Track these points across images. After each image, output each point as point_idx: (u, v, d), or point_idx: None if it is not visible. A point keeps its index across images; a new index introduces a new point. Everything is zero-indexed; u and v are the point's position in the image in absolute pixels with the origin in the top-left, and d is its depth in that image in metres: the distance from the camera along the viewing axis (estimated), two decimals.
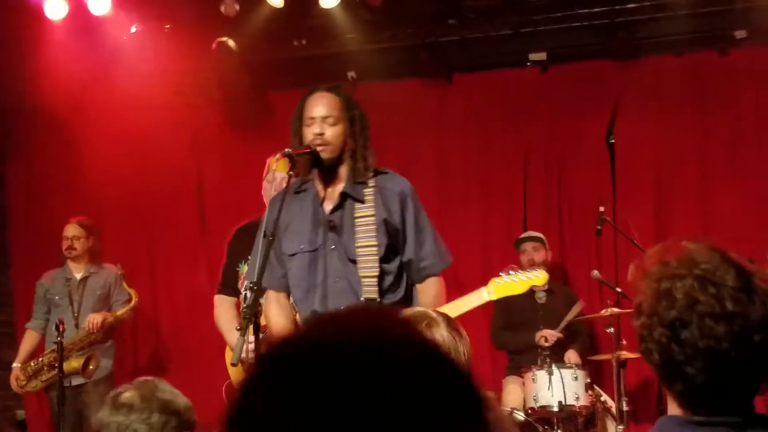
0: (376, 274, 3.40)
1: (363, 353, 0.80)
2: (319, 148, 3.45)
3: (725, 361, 1.54)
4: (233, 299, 4.56)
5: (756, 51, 6.38)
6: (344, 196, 3.49)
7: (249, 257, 4.46)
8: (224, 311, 4.51)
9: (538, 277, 3.65)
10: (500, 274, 3.62)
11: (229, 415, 0.83)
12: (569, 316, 5.71)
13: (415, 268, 3.52)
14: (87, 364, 5.79)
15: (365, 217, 3.46)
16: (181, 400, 2.40)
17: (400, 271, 3.50)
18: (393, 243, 3.48)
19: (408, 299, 3.51)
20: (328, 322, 0.86)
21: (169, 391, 2.40)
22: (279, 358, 0.84)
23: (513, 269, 3.64)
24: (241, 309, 4.51)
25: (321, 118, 3.45)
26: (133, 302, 6.02)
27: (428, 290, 3.53)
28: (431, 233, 3.57)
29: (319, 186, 3.55)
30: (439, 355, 0.84)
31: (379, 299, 3.38)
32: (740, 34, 6.32)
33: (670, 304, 1.58)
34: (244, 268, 4.57)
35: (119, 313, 5.98)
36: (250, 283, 3.15)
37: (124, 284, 6.01)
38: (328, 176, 3.52)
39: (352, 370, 0.79)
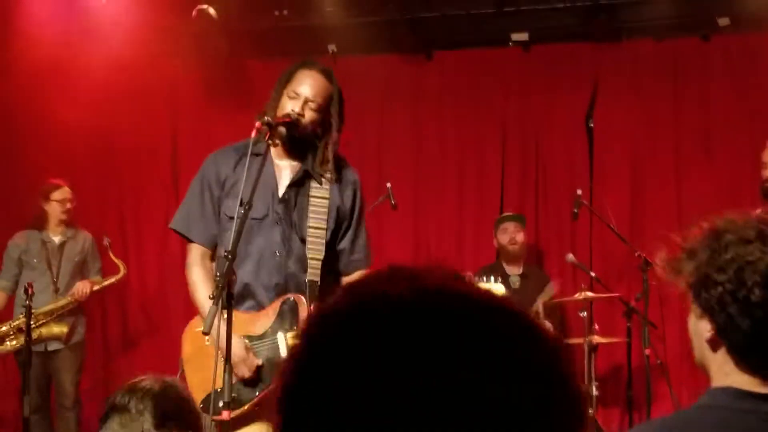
0: (322, 257, 3.40)
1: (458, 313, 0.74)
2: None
3: None
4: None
5: (738, 38, 6.38)
6: (305, 174, 3.44)
7: None
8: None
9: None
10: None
11: (295, 388, 0.75)
12: (542, 298, 5.69)
13: (346, 259, 3.54)
14: (72, 331, 5.80)
15: (320, 199, 3.44)
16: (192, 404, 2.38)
17: (331, 257, 3.50)
18: (337, 229, 3.49)
19: (335, 286, 3.51)
20: (401, 279, 0.78)
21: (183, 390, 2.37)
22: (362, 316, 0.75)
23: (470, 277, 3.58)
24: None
25: (305, 98, 3.37)
26: (121, 273, 6.00)
27: None
28: (365, 230, 3.62)
29: (276, 157, 3.48)
30: (529, 320, 0.78)
31: (320, 282, 3.38)
32: (723, 21, 6.30)
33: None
34: None
35: (107, 282, 6.00)
36: (225, 251, 3.08)
37: (111, 255, 5.96)
38: (291, 151, 3.46)
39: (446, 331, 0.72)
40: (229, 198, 3.39)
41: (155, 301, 6.87)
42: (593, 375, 5.31)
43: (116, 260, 5.98)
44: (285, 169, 3.47)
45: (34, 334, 5.64)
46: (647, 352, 5.37)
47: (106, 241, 6.00)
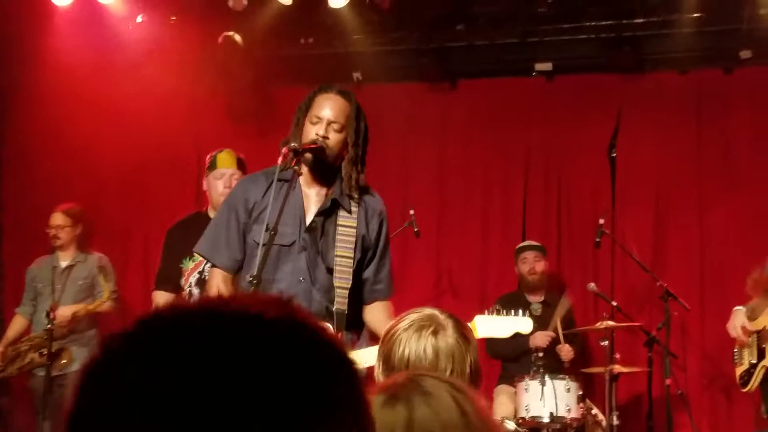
0: (349, 285, 3.39)
1: (202, 332, 0.76)
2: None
3: None
4: (172, 296, 4.47)
5: (760, 71, 6.40)
6: (333, 203, 3.45)
7: (194, 254, 4.42)
8: None
9: (525, 328, 3.61)
10: (485, 311, 3.59)
11: (74, 406, 0.78)
12: (558, 314, 5.70)
13: (368, 288, 3.54)
14: (57, 356, 5.64)
15: (347, 228, 3.44)
16: None
17: (359, 286, 3.51)
18: (362, 259, 3.49)
19: (360, 314, 3.53)
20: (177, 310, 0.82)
21: None
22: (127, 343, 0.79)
23: (498, 311, 3.60)
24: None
25: (328, 120, 3.39)
26: (105, 297, 5.80)
27: (381, 311, 3.53)
28: (389, 260, 3.61)
29: (305, 185, 3.49)
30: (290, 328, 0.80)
31: (347, 310, 3.37)
32: (745, 54, 6.34)
33: None
34: (188, 265, 4.49)
35: (91, 306, 5.80)
36: (250, 276, 3.12)
37: (101, 277, 5.83)
38: (318, 178, 3.48)
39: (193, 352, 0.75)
40: (257, 224, 3.38)
41: None
42: (614, 404, 5.29)
43: (103, 284, 5.82)
44: (313, 197, 3.48)
45: (26, 359, 5.67)
46: (668, 382, 5.36)
47: (103, 261, 5.95)
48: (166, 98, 6.74)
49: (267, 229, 3.19)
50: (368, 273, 3.53)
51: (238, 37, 6.43)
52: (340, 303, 3.37)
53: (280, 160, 3.35)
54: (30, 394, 5.97)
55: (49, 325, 5.28)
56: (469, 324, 3.55)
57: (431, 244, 6.63)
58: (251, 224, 3.45)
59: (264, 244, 3.17)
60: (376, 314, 3.52)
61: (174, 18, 6.52)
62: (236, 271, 3.50)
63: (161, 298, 4.50)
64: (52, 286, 5.83)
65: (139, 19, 6.50)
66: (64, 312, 5.64)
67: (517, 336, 5.62)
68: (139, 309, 6.98)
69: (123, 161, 6.94)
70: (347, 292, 3.38)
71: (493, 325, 3.52)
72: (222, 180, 4.51)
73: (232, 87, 6.81)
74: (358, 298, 3.50)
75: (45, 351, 5.55)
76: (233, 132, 6.92)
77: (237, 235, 3.43)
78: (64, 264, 5.94)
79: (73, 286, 5.87)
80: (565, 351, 5.74)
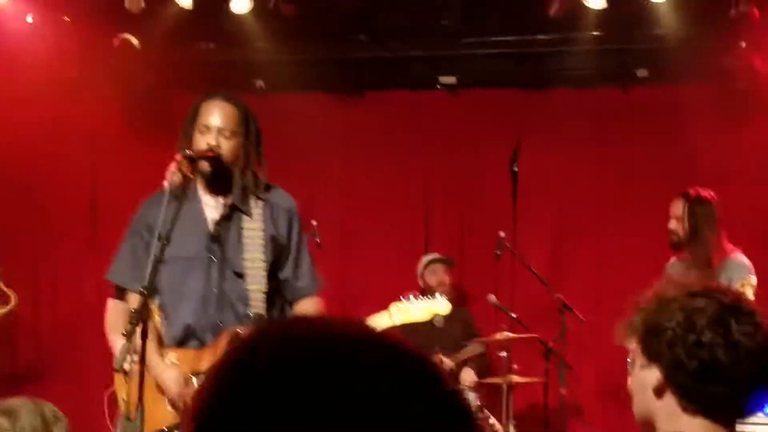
0: (265, 289, 3.36)
1: (356, 357, 0.76)
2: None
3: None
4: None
5: (655, 90, 6.59)
6: (233, 208, 3.41)
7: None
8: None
9: (440, 306, 3.59)
10: (401, 298, 3.58)
11: (198, 420, 0.76)
12: (467, 354, 5.73)
13: (290, 287, 3.49)
14: None
15: (253, 231, 3.40)
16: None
17: (277, 287, 3.46)
18: (277, 259, 3.45)
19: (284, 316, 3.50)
20: (304, 326, 0.82)
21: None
22: (256, 361, 0.77)
23: (414, 295, 3.59)
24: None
25: (217, 129, 3.34)
26: (11, 304, 5.65)
27: (308, 309, 3.49)
28: (308, 256, 3.57)
29: (204, 195, 3.44)
30: (420, 359, 0.81)
31: (265, 315, 3.33)
32: (642, 72, 6.51)
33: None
34: None
35: None
36: (141, 287, 3.01)
37: (1, 284, 5.65)
38: (215, 186, 3.42)
39: (341, 375, 0.74)
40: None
41: (68, 340, 6.67)
42: (511, 414, 5.34)
43: (7, 290, 5.66)
44: (213, 206, 3.43)
45: None
46: (563, 392, 5.44)
47: None
48: (59, 103, 6.51)
49: (159, 239, 3.11)
50: (286, 273, 3.47)
51: (134, 40, 6.24)
52: (258, 307, 3.33)
53: (172, 166, 3.27)
54: None
55: None
56: (384, 312, 3.53)
57: (335, 256, 6.56)
58: (153, 243, 3.32)
59: (156, 254, 3.09)
60: (304, 312, 3.47)
61: (67, 18, 6.28)
62: (155, 292, 3.40)
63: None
64: None
65: (29, 18, 6.24)
66: None
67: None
68: (27, 324, 6.72)
69: (10, 169, 6.66)
70: (263, 295, 3.33)
71: (409, 310, 3.51)
72: None
73: (128, 92, 6.61)
74: (281, 300, 3.46)
75: None
76: (130, 139, 6.73)
77: (145, 257, 3.32)
78: None
79: None
80: (469, 379, 5.76)
